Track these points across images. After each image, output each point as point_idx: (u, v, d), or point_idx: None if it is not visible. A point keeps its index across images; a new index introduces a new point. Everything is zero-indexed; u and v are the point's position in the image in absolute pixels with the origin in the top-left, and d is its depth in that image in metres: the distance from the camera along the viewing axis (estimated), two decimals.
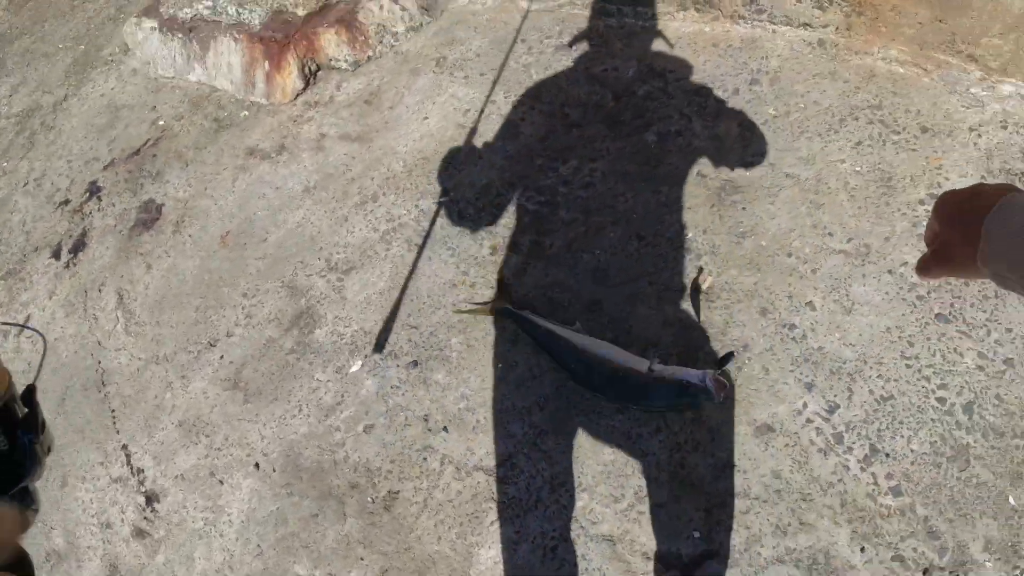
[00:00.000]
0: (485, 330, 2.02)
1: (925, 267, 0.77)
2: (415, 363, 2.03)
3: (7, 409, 0.66)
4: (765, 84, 2.23)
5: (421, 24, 2.62)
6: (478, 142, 2.28)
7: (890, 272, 1.95)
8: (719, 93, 2.23)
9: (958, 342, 1.87)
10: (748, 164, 2.11)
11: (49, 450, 0.72)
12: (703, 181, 2.10)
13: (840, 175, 2.07)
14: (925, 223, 2.04)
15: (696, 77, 2.27)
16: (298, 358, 2.17)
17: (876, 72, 2.24)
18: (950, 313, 1.90)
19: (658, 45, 2.36)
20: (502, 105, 2.35)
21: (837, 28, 2.23)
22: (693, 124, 2.19)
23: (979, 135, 2.14)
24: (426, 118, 2.39)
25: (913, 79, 2.23)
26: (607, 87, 2.30)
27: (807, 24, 2.26)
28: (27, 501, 0.67)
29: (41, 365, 2.52)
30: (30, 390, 0.74)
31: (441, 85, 2.44)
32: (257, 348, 2.23)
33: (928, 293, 1.92)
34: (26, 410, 0.71)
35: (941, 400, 1.83)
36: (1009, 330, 1.89)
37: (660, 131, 2.20)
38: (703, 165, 2.12)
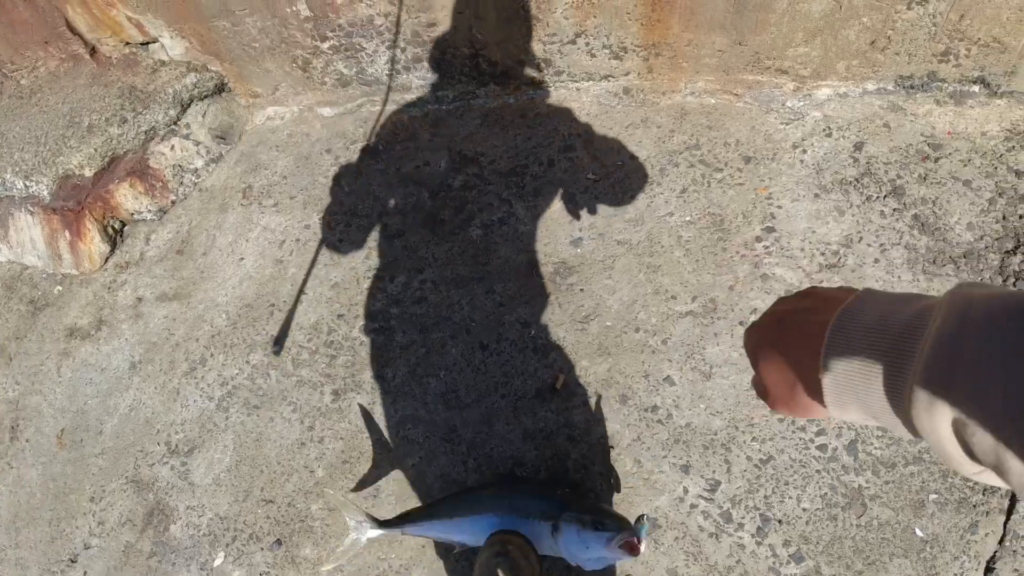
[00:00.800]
0: (344, 488, 1.86)
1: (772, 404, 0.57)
2: (279, 542, 1.86)
3: None
4: (580, 148, 2.13)
5: (221, 154, 2.44)
6: (300, 276, 2.12)
7: (741, 323, 1.86)
8: (535, 168, 2.12)
9: None
10: (577, 240, 2.00)
11: None
12: (536, 269, 1.98)
13: (671, 230, 1.98)
14: (767, 262, 1.96)
15: (510, 155, 2.16)
16: (159, 561, 1.97)
17: (687, 109, 2.16)
18: None
19: (466, 127, 2.24)
20: (318, 228, 2.19)
21: (639, 73, 2.14)
22: (515, 208, 2.07)
23: (804, 151, 2.08)
24: (242, 259, 2.21)
25: (726, 107, 2.16)
26: (422, 185, 2.17)
27: (608, 76, 2.16)
28: None
29: None
30: None
31: (252, 218, 2.27)
32: (117, 558, 2.02)
33: None
34: None
35: (822, 447, 1.75)
36: None
37: (484, 222, 2.07)
38: (533, 251, 2.01)
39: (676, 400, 1.80)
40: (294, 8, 2.13)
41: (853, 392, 0.44)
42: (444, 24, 2.09)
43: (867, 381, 0.43)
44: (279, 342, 2.04)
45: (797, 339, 0.51)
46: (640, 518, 1.42)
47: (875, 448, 1.73)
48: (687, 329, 1.86)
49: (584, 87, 2.20)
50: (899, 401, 0.41)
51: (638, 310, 1.89)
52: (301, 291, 2.10)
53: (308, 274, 2.11)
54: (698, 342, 1.84)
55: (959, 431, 0.37)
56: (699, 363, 1.82)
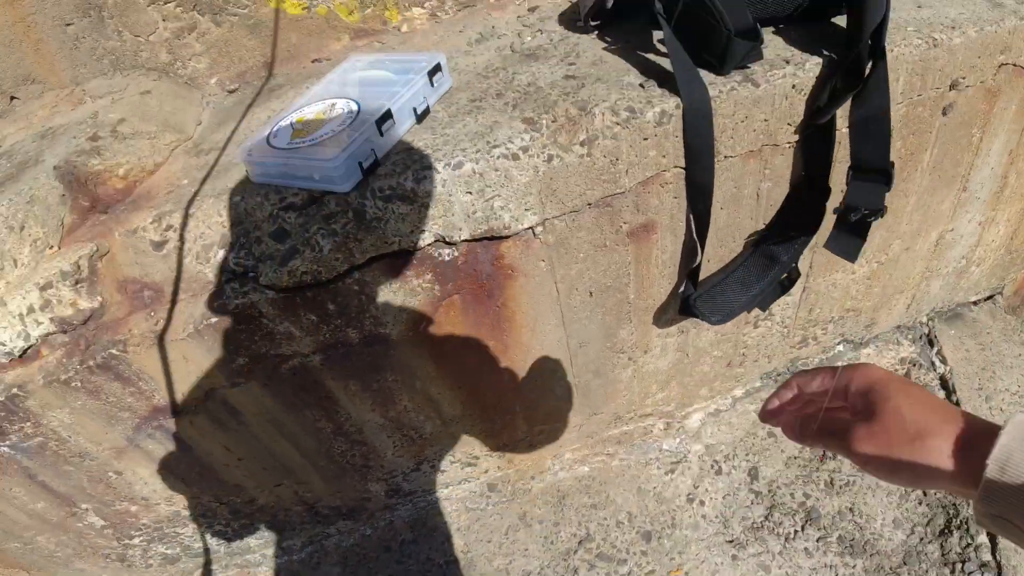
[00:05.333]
0: None
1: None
2: None
3: None
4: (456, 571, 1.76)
5: None
6: None
7: None
8: None
9: None
10: None
11: None
12: None
13: None
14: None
15: None
16: None
17: (564, 489, 1.85)
18: None
19: None
20: None
21: (499, 467, 1.83)
22: None
23: (701, 502, 1.79)
24: None
25: (603, 472, 1.87)
26: None
27: (466, 479, 1.84)
28: None
29: None
30: None
31: None
32: None
33: None
34: None
35: None
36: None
37: None
38: None
39: None
40: (85, 522, 1.70)
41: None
42: (262, 497, 1.71)
43: None
44: None
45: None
46: None
47: None
48: None
49: (445, 494, 1.86)
50: None
51: None
52: None
53: None
54: None
55: None
56: None
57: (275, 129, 1.22)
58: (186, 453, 1.53)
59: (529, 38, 1.46)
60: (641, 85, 1.24)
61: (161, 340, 1.27)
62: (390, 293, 1.28)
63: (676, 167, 1.29)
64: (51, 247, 1.33)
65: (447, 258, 1.25)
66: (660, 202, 1.33)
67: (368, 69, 1.35)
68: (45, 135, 1.51)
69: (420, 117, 1.26)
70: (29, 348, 1.31)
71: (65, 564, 1.87)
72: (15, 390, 1.31)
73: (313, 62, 1.64)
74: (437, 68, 1.26)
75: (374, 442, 1.61)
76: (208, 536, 1.82)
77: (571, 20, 1.49)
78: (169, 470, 1.56)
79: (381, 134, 1.17)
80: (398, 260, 1.23)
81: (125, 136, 1.43)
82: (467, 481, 1.84)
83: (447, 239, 1.22)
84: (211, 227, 1.26)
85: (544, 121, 1.20)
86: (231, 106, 1.59)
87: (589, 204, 1.27)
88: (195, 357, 1.31)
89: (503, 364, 1.51)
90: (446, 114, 1.27)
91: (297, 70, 1.64)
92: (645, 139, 1.22)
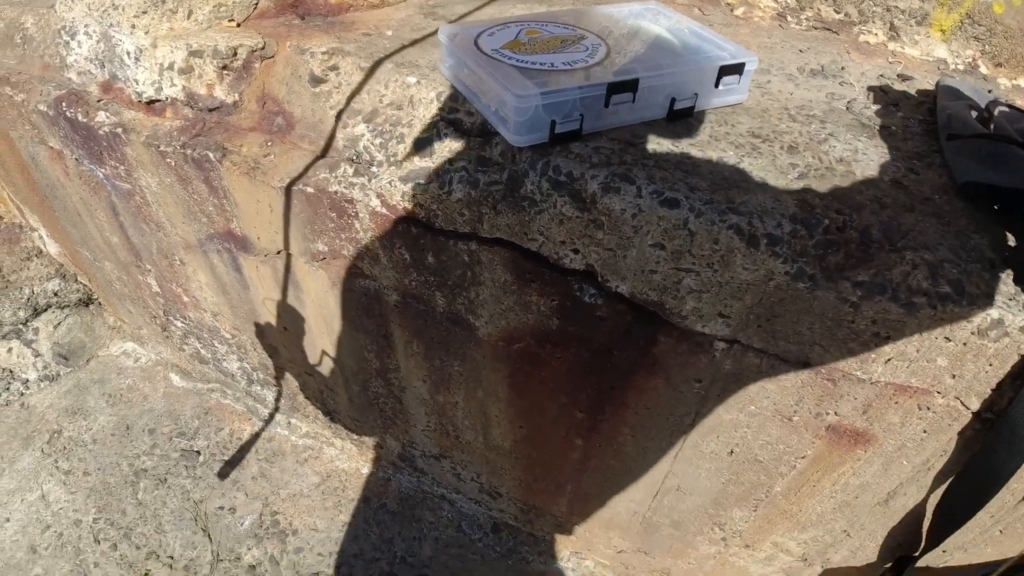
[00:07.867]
0: None
1: None
2: None
3: None
4: None
5: (58, 374, 1.98)
6: None
7: None
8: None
9: None
10: None
11: None
12: None
13: None
14: None
15: (328, 547, 1.56)
16: None
17: None
18: None
19: (299, 483, 1.66)
20: (86, 530, 1.65)
21: (515, 516, 1.51)
22: None
23: None
24: (8, 519, 1.71)
25: None
26: (208, 535, 1.60)
27: (478, 503, 1.54)
28: None
29: None
30: None
31: (40, 475, 1.77)
32: None
33: None
34: None
35: None
36: None
37: None
38: None
39: None
40: (144, 280, 1.65)
41: None
42: (291, 372, 1.54)
43: None
44: None
45: None
46: None
47: None
48: None
49: (450, 499, 1.58)
50: None
51: None
52: None
53: None
54: None
55: None
56: None
57: (495, 28, 0.90)
58: (243, 289, 1.36)
59: (877, 106, 0.98)
60: (992, 263, 0.75)
61: (258, 174, 1.05)
62: (500, 291, 0.95)
63: (960, 403, 0.81)
64: (231, 19, 1.14)
65: (587, 299, 0.89)
66: (902, 423, 0.86)
67: (658, 24, 0.96)
68: None
69: (674, 114, 0.87)
70: (157, 102, 1.16)
71: (119, 299, 1.87)
72: (120, 130, 1.17)
73: None
74: (737, 69, 0.85)
75: (410, 408, 1.35)
76: (235, 365, 1.71)
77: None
78: (223, 292, 1.42)
79: (607, 104, 0.80)
80: (528, 262, 0.89)
81: None
82: (478, 504, 1.55)
83: (601, 279, 0.86)
84: (370, 94, 0.99)
85: (825, 222, 0.77)
86: None
87: (807, 364, 0.83)
88: (278, 211, 1.09)
89: (580, 442, 1.15)
90: (708, 130, 0.87)
91: None
92: (947, 340, 0.75)
